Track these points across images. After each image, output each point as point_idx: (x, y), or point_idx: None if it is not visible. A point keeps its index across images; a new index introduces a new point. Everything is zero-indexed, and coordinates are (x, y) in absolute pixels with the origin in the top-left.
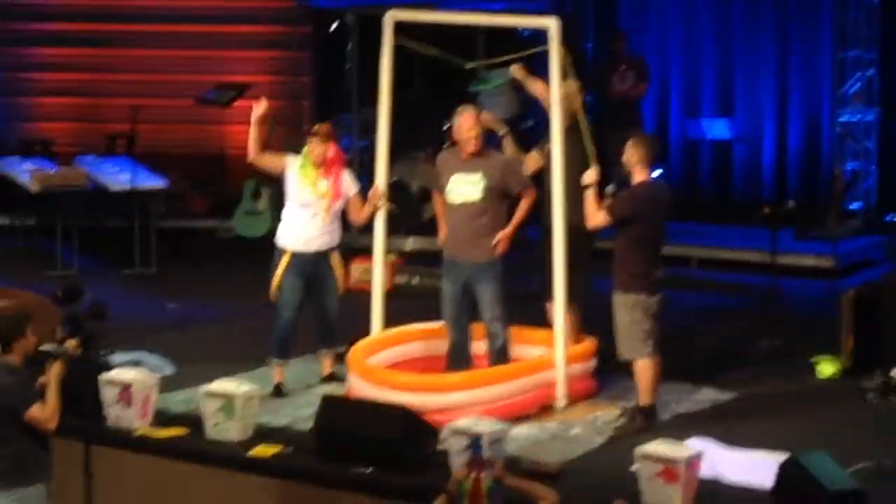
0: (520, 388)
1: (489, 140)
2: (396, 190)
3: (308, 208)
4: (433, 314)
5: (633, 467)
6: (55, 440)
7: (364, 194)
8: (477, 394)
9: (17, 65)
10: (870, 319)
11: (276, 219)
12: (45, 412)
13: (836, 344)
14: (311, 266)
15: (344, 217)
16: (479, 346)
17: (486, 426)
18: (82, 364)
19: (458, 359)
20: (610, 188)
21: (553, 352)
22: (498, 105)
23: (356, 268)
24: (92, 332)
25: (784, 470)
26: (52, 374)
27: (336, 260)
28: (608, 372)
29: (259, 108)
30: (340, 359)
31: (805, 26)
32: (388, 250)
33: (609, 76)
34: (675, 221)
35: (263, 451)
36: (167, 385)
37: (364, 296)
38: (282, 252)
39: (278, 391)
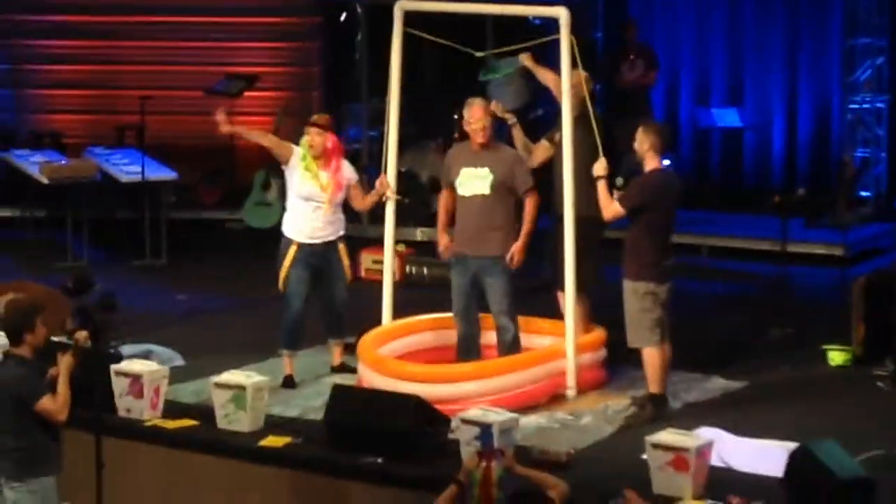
0: (530, 377)
1: (499, 129)
2: (406, 180)
3: (311, 201)
4: (443, 304)
5: (643, 456)
6: (66, 431)
7: (371, 184)
8: (487, 384)
9: (26, 57)
10: (880, 307)
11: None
12: (55, 404)
13: (846, 332)
14: (318, 257)
15: (349, 206)
16: (488, 337)
17: (496, 416)
18: (93, 356)
19: (468, 351)
20: (619, 180)
21: (563, 341)
22: (507, 94)
23: (366, 258)
24: (102, 324)
25: (794, 458)
26: (63, 366)
27: (342, 249)
28: (618, 361)
29: (223, 123)
30: (351, 349)
31: (815, 14)
32: (398, 241)
33: (618, 65)
34: (686, 210)
35: (274, 441)
36: (177, 376)
37: (374, 286)
38: (288, 243)
39: (289, 382)
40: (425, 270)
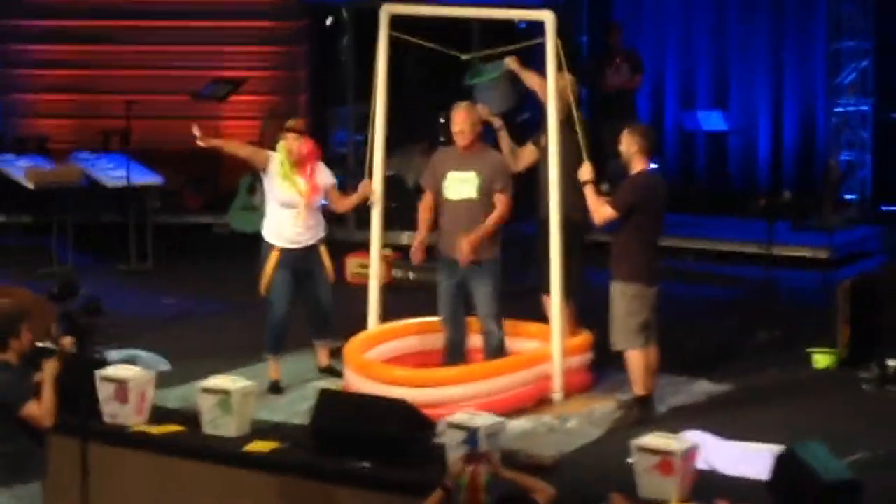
0: (516, 381)
1: (485, 133)
2: (392, 184)
3: (290, 207)
4: (429, 308)
5: (630, 460)
6: (51, 437)
7: (355, 188)
8: (473, 388)
9: (11, 61)
10: (865, 310)
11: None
12: (40, 409)
13: (832, 335)
14: (301, 261)
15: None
16: (475, 341)
17: (482, 420)
18: (78, 361)
19: (455, 355)
20: (604, 186)
21: (549, 345)
22: (493, 98)
23: (352, 262)
24: (87, 329)
25: (780, 461)
26: (48, 372)
27: (324, 251)
28: (605, 364)
29: (201, 138)
30: (337, 353)
31: (800, 17)
32: (385, 245)
33: (604, 69)
34: (672, 213)
35: (261, 446)
36: (163, 381)
37: (360, 290)
38: (269, 248)
39: (275, 387)
40: (411, 274)
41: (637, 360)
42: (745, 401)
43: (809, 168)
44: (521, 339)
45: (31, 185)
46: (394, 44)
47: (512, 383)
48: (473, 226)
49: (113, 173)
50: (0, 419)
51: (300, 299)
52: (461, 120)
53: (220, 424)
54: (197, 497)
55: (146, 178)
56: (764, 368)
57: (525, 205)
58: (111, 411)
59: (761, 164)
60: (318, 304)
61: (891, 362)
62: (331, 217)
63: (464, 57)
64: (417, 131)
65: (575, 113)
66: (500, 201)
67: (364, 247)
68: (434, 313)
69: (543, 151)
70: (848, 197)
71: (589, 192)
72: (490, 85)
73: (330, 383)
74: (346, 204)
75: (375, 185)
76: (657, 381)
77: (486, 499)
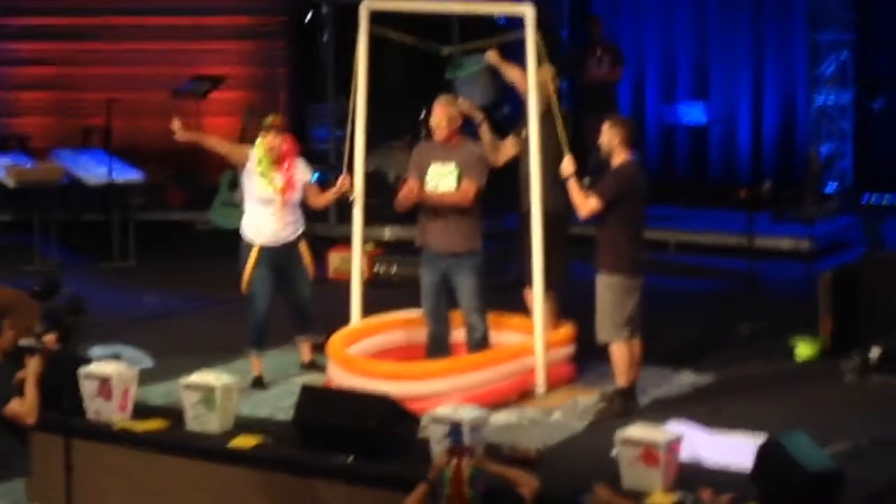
0: (499, 374)
1: (466, 127)
2: (373, 179)
3: (269, 204)
4: (412, 303)
5: (613, 452)
6: (35, 435)
7: (333, 183)
8: (456, 381)
9: None
10: (847, 300)
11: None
12: (24, 407)
13: (814, 325)
14: (281, 257)
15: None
16: (458, 335)
17: (466, 413)
18: (61, 358)
19: (438, 349)
20: (585, 181)
21: (532, 338)
22: (474, 92)
23: (334, 257)
24: (71, 326)
25: (763, 451)
26: (31, 369)
27: (303, 247)
28: (587, 357)
29: (180, 133)
30: (320, 349)
31: (780, 8)
32: (367, 240)
33: (584, 62)
34: (652, 206)
35: (244, 442)
36: (147, 378)
37: (343, 286)
38: (249, 245)
39: (258, 382)
40: (393, 269)
41: (622, 352)
42: (728, 392)
43: (790, 159)
44: (504, 333)
45: (12, 184)
46: (374, 39)
47: (495, 377)
48: (454, 218)
49: (94, 171)
50: None
51: (280, 295)
52: (439, 114)
53: (203, 420)
54: (181, 493)
55: (127, 175)
56: (747, 359)
57: (507, 198)
58: (95, 408)
59: (742, 155)
60: (299, 301)
61: (873, 352)
62: (312, 213)
63: (444, 51)
64: (398, 126)
65: (555, 106)
66: (463, 188)
67: (345, 242)
68: (417, 307)
69: (524, 144)
70: (829, 188)
71: (572, 185)
72: (470, 79)
73: (313, 378)
74: (323, 200)
75: (357, 181)
76: (640, 372)
77: (470, 492)
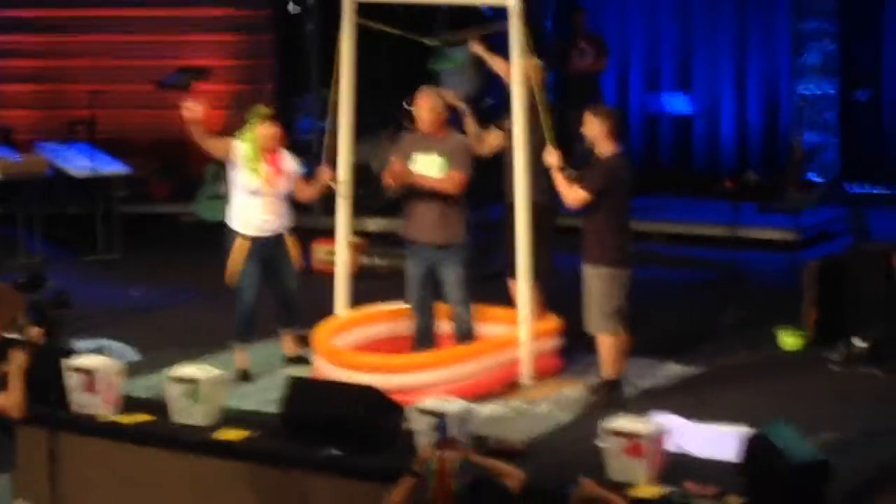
0: (485, 366)
1: (451, 118)
2: (359, 171)
3: (257, 195)
4: (397, 295)
5: (599, 443)
6: (20, 428)
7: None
8: (442, 373)
9: None
10: (832, 291)
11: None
12: (8, 401)
13: (799, 316)
14: (268, 249)
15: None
16: (444, 327)
17: (451, 405)
18: (46, 352)
19: (424, 341)
20: (571, 172)
21: (517, 330)
22: (459, 83)
23: (319, 249)
24: (56, 320)
25: (749, 442)
26: (16, 363)
27: (290, 239)
28: (573, 348)
29: (192, 111)
30: (305, 341)
31: None
32: (352, 231)
33: (568, 53)
34: (637, 196)
35: (230, 434)
36: (132, 371)
37: (327, 278)
38: (235, 236)
39: (244, 375)
40: (378, 261)
41: (610, 343)
42: (713, 383)
43: (774, 149)
44: (490, 324)
45: None
46: (359, 30)
47: (481, 368)
48: (439, 209)
49: (79, 163)
50: None
51: (268, 287)
52: (424, 105)
53: (189, 413)
54: (167, 486)
55: (112, 167)
56: (732, 350)
57: (492, 189)
58: (80, 401)
59: (726, 146)
60: (285, 293)
61: (858, 343)
62: (296, 204)
63: (429, 42)
64: (383, 118)
65: (538, 97)
66: (450, 174)
67: (330, 233)
68: (402, 299)
69: (509, 135)
70: (814, 178)
71: (557, 178)
72: (455, 70)
73: (299, 371)
74: (308, 193)
75: (341, 173)
76: (627, 364)
77: (456, 484)
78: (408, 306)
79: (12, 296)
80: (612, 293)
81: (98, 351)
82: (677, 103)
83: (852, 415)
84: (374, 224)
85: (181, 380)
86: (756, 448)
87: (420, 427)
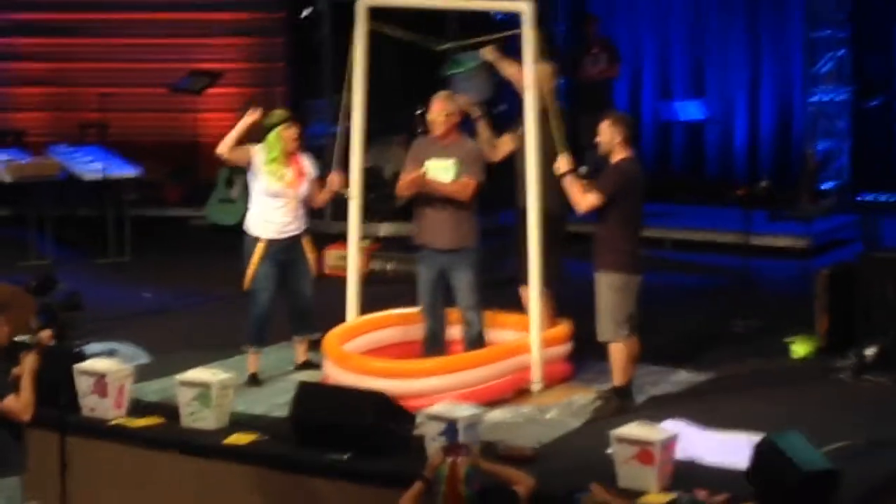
0: (495, 372)
1: (464, 124)
2: (370, 175)
3: (279, 198)
4: (408, 299)
5: (609, 450)
6: (30, 431)
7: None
8: (452, 379)
9: None
10: (844, 299)
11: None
12: (19, 403)
13: (810, 324)
14: (285, 253)
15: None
16: (454, 332)
17: (461, 411)
18: (57, 354)
19: (434, 346)
20: (582, 169)
21: (528, 336)
22: (471, 88)
23: (331, 254)
24: (66, 323)
25: (759, 450)
26: (27, 365)
27: (307, 244)
28: (584, 355)
29: (252, 116)
30: (316, 346)
31: (776, 6)
32: (363, 236)
33: (581, 59)
34: (649, 203)
35: (240, 439)
36: (142, 374)
37: (339, 282)
38: (254, 240)
39: (254, 379)
40: (389, 266)
41: (621, 350)
42: (724, 390)
43: (787, 157)
44: (500, 330)
45: (8, 179)
46: (371, 35)
47: (491, 374)
48: (451, 214)
49: (90, 166)
50: None
51: (283, 292)
52: (436, 110)
53: (199, 417)
54: (176, 490)
55: (123, 170)
56: (743, 358)
57: (503, 194)
58: (90, 405)
59: (738, 153)
60: (299, 298)
61: (869, 351)
62: (308, 209)
63: (441, 47)
64: (395, 123)
65: (550, 103)
66: (464, 181)
67: (341, 238)
68: (413, 304)
69: (521, 141)
70: (826, 186)
71: (569, 182)
72: (468, 75)
73: (309, 375)
74: (321, 199)
75: (353, 178)
76: (637, 370)
77: (466, 490)
78: (418, 311)
79: (23, 298)
80: (623, 301)
81: (109, 354)
82: (690, 111)
83: (862, 423)
84: (384, 228)
85: (191, 383)
86: (766, 456)
87: (430, 432)
